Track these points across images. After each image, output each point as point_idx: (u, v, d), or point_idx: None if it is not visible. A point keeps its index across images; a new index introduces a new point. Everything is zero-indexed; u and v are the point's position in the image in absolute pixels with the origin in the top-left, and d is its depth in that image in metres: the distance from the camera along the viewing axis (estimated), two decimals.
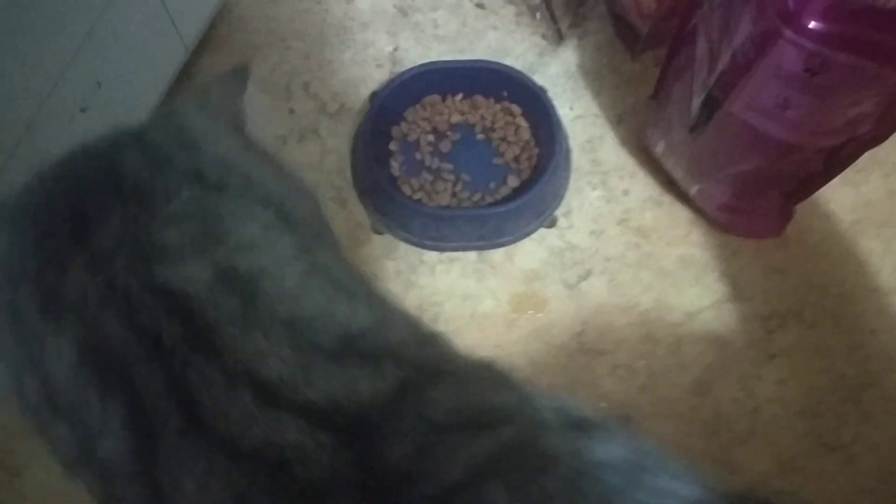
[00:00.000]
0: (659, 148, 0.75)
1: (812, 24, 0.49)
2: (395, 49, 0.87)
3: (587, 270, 0.77)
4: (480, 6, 0.88)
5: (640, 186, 0.80)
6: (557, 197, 0.79)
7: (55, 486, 0.69)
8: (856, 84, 0.51)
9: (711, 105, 0.60)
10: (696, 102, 0.63)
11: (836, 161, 0.62)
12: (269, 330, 0.33)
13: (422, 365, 0.35)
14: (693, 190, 0.73)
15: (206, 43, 0.83)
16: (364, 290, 0.38)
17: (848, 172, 0.80)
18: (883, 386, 0.73)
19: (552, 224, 0.78)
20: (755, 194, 0.65)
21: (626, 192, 0.80)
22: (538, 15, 0.87)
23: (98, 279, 0.33)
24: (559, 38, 0.86)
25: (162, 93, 0.77)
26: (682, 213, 0.78)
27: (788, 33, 0.50)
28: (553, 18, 0.86)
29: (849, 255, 0.78)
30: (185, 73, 0.82)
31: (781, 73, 0.52)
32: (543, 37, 0.87)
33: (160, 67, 0.75)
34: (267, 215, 0.37)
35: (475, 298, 0.76)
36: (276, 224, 0.37)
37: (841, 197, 0.80)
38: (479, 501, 0.30)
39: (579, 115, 0.83)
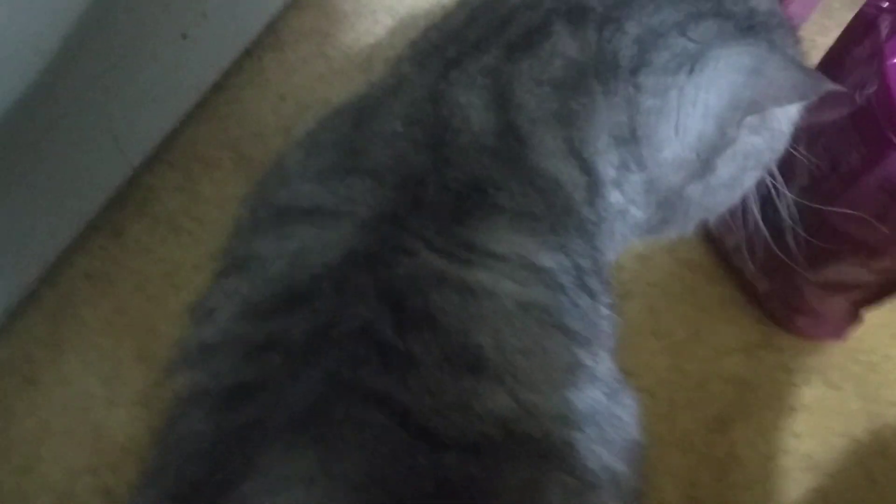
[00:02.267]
0: (730, 243, 0.75)
1: None
2: None
3: (628, 291, 0.78)
4: None
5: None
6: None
7: (69, 400, 0.70)
8: None
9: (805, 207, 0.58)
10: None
11: None
12: None
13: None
14: (763, 287, 0.74)
15: (296, 1, 0.85)
16: None
17: None
18: (894, 458, 0.74)
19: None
20: (826, 298, 0.65)
21: None
22: None
23: None
24: None
25: (251, 38, 0.78)
26: None
27: None
28: None
29: (881, 325, 0.80)
30: (271, 26, 0.83)
31: (888, 186, 0.53)
32: None
33: (257, 12, 0.76)
34: None
35: None
36: None
37: None
38: None
39: None
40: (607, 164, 0.43)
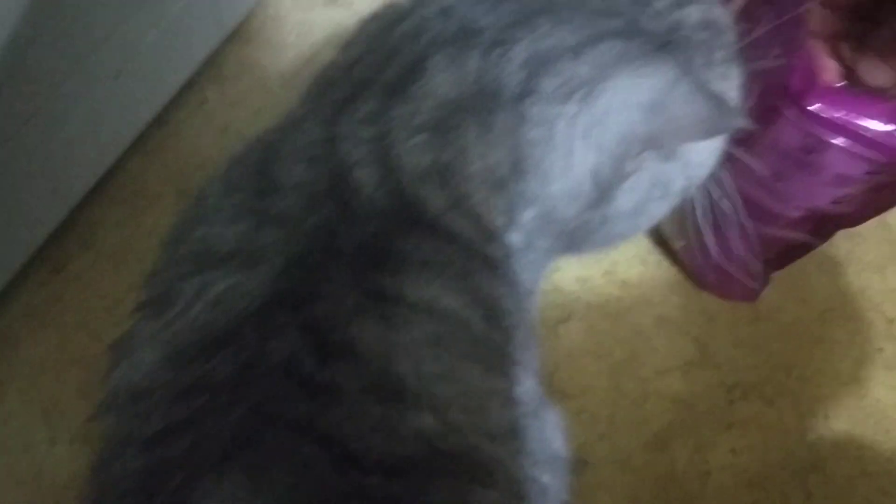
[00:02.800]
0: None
1: (813, 108, 0.53)
2: None
3: (567, 314, 0.80)
4: None
5: (629, 243, 0.83)
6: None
7: (10, 439, 0.70)
8: (846, 166, 0.55)
9: None
10: None
11: (816, 235, 0.65)
12: None
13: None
14: (678, 245, 0.76)
15: (237, 33, 0.86)
16: None
17: (826, 263, 0.84)
18: (828, 472, 0.76)
19: None
20: (735, 257, 0.68)
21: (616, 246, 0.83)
22: None
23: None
24: None
25: (191, 72, 0.79)
26: (666, 275, 0.81)
27: (789, 113, 0.53)
28: None
29: (816, 340, 0.82)
30: (213, 59, 0.84)
31: (778, 148, 0.56)
32: None
33: (195, 47, 0.77)
34: None
35: None
36: None
37: (816, 284, 0.84)
38: None
39: None
40: (493, 212, 0.41)
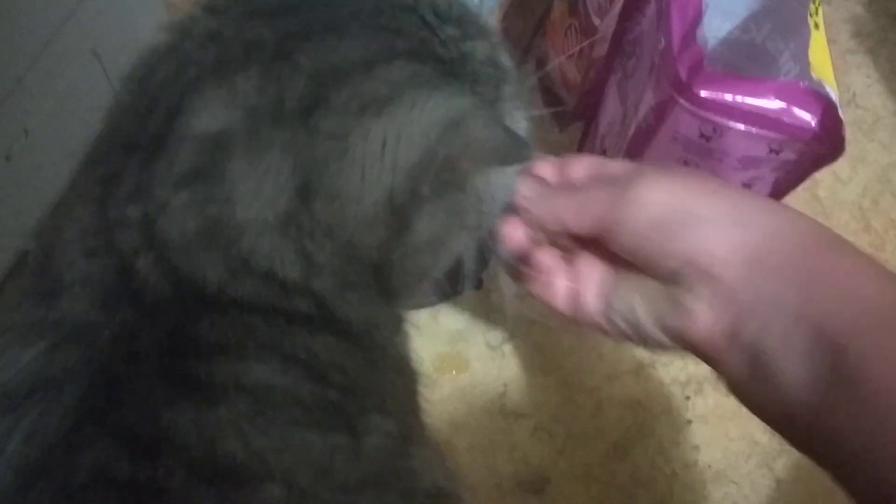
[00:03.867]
0: None
1: (703, 93, 0.52)
2: None
3: (510, 333, 0.78)
4: None
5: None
6: (484, 259, 0.80)
7: None
8: (747, 148, 0.54)
9: None
10: None
11: None
12: None
13: None
14: None
15: None
16: None
17: None
18: (793, 454, 0.73)
19: (479, 286, 0.80)
20: None
21: None
22: None
23: None
24: None
25: None
26: None
27: (682, 102, 0.53)
28: None
29: None
30: None
31: (679, 138, 0.56)
32: None
33: (92, 122, 0.75)
34: None
35: None
36: None
37: None
38: None
39: None
40: (283, 264, 0.36)
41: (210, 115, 0.35)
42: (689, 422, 0.76)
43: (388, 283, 0.40)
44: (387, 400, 0.41)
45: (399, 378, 0.44)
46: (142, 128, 0.36)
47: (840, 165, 0.89)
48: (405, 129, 0.36)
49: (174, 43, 0.38)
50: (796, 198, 0.86)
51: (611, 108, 0.68)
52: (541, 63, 0.86)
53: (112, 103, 0.39)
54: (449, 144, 0.36)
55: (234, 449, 0.33)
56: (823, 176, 0.88)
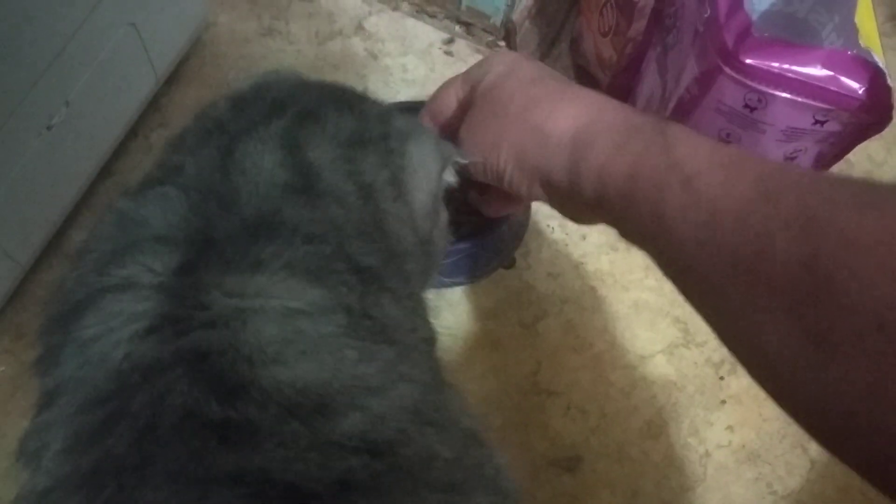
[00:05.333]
0: None
1: (749, 62, 0.52)
2: (364, 90, 0.89)
3: (543, 311, 0.78)
4: (449, 53, 0.91)
5: (597, 232, 0.82)
6: (517, 238, 0.80)
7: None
8: (791, 118, 0.54)
9: None
10: None
11: None
12: None
13: None
14: None
15: (177, 75, 0.85)
16: None
17: None
18: None
19: (511, 265, 0.79)
20: None
21: (583, 237, 0.81)
22: None
23: None
24: None
25: (130, 119, 0.78)
26: (637, 260, 0.80)
27: (728, 70, 0.53)
28: None
29: None
30: (155, 104, 0.83)
31: (723, 109, 0.55)
32: None
33: (130, 93, 0.76)
34: None
35: None
36: None
37: None
38: None
39: None
40: None
41: None
42: (723, 402, 0.76)
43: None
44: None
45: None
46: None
47: (875, 147, 0.89)
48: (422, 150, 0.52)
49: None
50: None
51: (649, 83, 0.68)
52: (575, 42, 0.86)
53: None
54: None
55: (316, 378, 0.34)
56: (857, 158, 0.88)
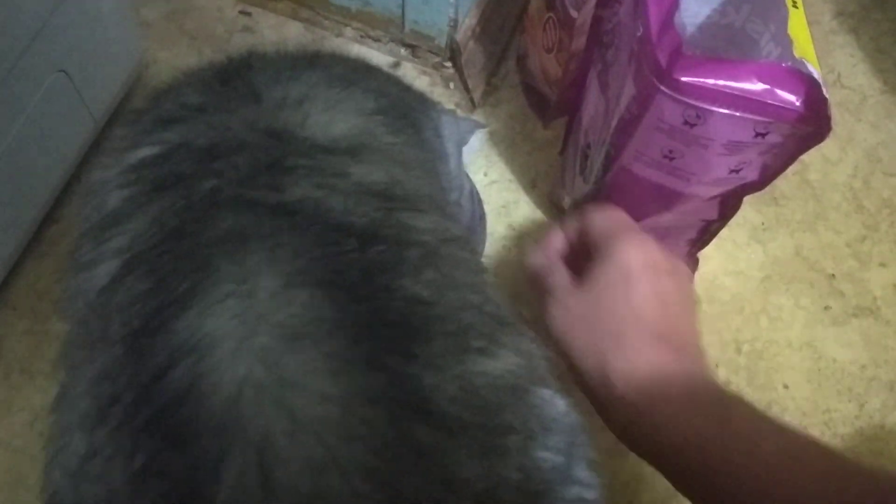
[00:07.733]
0: (566, 202, 0.77)
1: (683, 79, 0.51)
2: None
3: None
4: None
5: None
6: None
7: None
8: (732, 132, 0.53)
9: (608, 159, 0.62)
10: (596, 157, 0.65)
11: (728, 207, 0.64)
12: None
13: None
14: None
15: (118, 115, 0.83)
16: None
17: (756, 230, 0.82)
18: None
19: None
20: (659, 243, 0.67)
21: None
22: (451, 85, 0.89)
23: None
24: (472, 107, 0.88)
25: (72, 165, 0.76)
26: None
27: (664, 89, 0.52)
28: (466, 88, 0.88)
29: (760, 311, 0.80)
30: (97, 147, 0.81)
31: (664, 127, 0.54)
32: (457, 105, 0.88)
33: (68, 139, 0.74)
34: None
35: None
36: None
37: (749, 255, 0.82)
38: None
39: (494, 180, 0.84)
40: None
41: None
42: None
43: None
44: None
45: None
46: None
47: (829, 147, 0.89)
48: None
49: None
50: (786, 182, 0.86)
51: (593, 101, 0.67)
52: (522, 60, 0.85)
53: None
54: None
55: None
56: (813, 159, 0.88)
